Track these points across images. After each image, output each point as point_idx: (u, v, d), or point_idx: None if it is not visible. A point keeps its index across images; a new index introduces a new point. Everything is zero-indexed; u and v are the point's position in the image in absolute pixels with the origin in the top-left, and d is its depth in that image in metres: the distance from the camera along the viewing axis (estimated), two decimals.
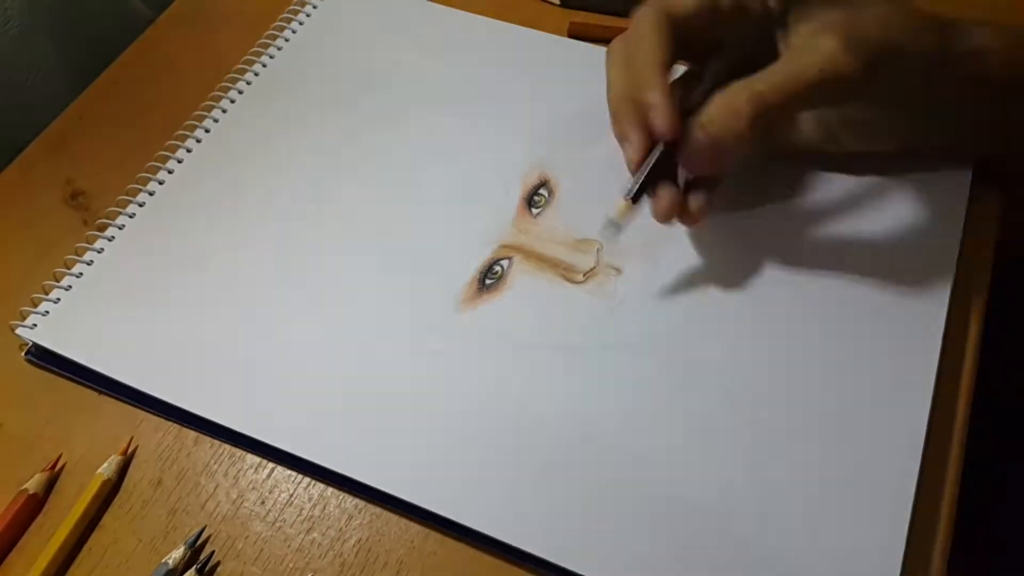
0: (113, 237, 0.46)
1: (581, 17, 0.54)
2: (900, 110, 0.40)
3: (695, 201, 0.40)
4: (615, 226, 0.39)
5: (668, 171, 0.40)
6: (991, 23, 0.39)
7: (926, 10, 0.38)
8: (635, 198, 0.39)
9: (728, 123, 0.36)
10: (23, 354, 0.43)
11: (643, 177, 0.39)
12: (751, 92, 0.36)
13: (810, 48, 0.36)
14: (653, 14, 0.39)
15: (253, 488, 0.39)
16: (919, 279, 0.41)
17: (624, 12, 0.54)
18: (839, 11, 0.37)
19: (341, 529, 0.38)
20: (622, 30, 0.41)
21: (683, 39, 0.39)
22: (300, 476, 0.39)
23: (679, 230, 0.43)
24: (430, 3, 0.55)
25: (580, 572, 0.35)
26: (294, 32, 0.55)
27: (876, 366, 0.39)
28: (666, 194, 0.39)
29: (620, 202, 0.39)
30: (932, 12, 0.38)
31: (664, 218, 0.40)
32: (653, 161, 0.39)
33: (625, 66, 0.40)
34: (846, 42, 0.35)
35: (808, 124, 0.43)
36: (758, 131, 0.36)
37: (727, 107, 0.36)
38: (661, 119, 0.38)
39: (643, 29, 0.39)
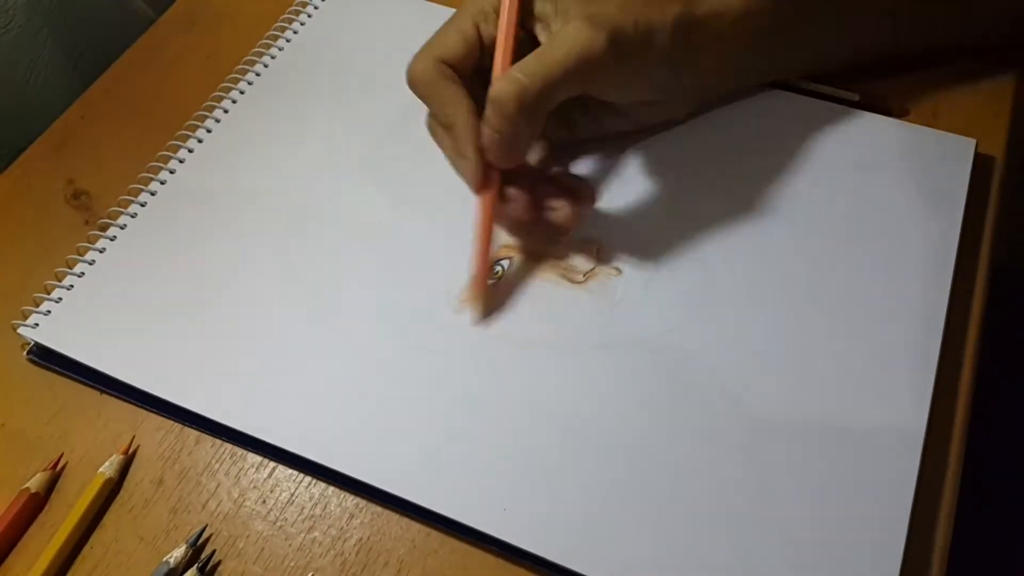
0: (115, 237, 0.46)
1: None
2: (675, 79, 0.43)
3: (560, 212, 0.42)
4: (478, 312, 0.42)
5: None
6: None
7: None
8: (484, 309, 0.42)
9: (500, 118, 0.38)
10: (25, 353, 0.43)
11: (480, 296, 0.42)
12: (509, 81, 0.38)
13: (559, 35, 0.38)
14: (431, 66, 0.41)
15: (254, 487, 0.39)
16: (918, 278, 0.41)
17: None
18: (588, 3, 0.39)
19: (342, 528, 0.38)
20: None
21: (463, 75, 0.41)
22: (301, 475, 0.39)
23: (680, 230, 0.44)
24: (432, 4, 0.55)
25: (580, 571, 0.35)
26: (296, 32, 0.55)
27: (876, 366, 0.39)
28: (516, 194, 0.41)
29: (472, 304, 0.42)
30: None
31: (515, 224, 0.43)
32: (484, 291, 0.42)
33: (434, 114, 0.42)
34: (589, 21, 0.38)
35: (604, 116, 0.45)
36: (529, 116, 0.38)
37: (495, 103, 0.38)
38: (473, 174, 0.41)
39: (431, 85, 0.41)
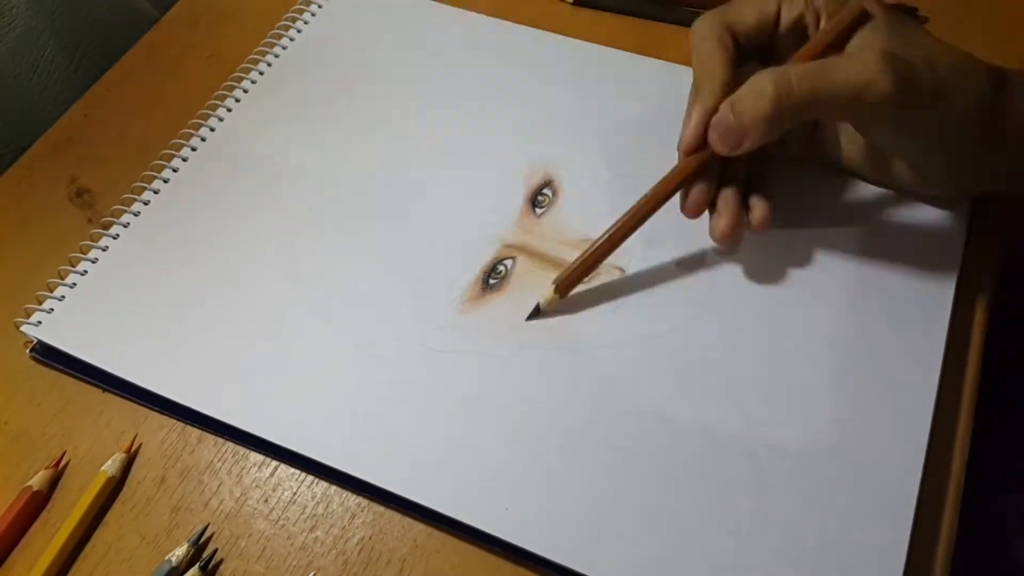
0: (118, 235, 0.46)
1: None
2: (951, 154, 0.39)
3: (758, 208, 0.41)
4: (540, 313, 0.41)
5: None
6: None
7: (979, 59, 0.38)
8: (562, 291, 0.41)
9: (751, 103, 0.37)
10: (27, 351, 0.43)
11: (575, 269, 0.41)
12: (780, 76, 0.36)
13: (850, 57, 0.37)
14: (713, 28, 0.40)
15: (256, 486, 0.39)
16: (923, 278, 0.41)
17: (636, 12, 0.54)
18: (895, 38, 0.37)
19: (344, 527, 0.38)
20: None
21: (745, 49, 0.40)
22: (303, 474, 0.39)
23: (681, 231, 0.44)
24: (435, 3, 0.55)
25: (582, 571, 0.35)
26: (299, 31, 0.55)
27: (879, 366, 0.39)
28: (696, 191, 0.40)
29: (549, 291, 0.41)
30: (989, 63, 0.38)
31: (692, 214, 0.41)
32: (593, 258, 0.41)
33: (694, 69, 0.41)
34: (886, 59, 0.35)
35: (870, 153, 0.42)
36: (779, 119, 0.37)
37: (753, 87, 0.37)
38: (687, 134, 0.40)
39: (703, 45, 0.40)
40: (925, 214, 0.43)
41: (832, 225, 0.43)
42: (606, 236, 0.41)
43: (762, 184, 0.42)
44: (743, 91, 0.38)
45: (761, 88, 0.37)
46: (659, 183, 0.41)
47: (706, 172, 0.41)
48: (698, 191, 0.41)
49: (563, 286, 0.41)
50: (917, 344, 0.39)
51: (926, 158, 0.40)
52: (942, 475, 0.37)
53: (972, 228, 0.43)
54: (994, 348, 0.41)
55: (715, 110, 0.39)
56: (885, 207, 0.44)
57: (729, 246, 0.42)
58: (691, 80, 0.41)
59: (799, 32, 0.40)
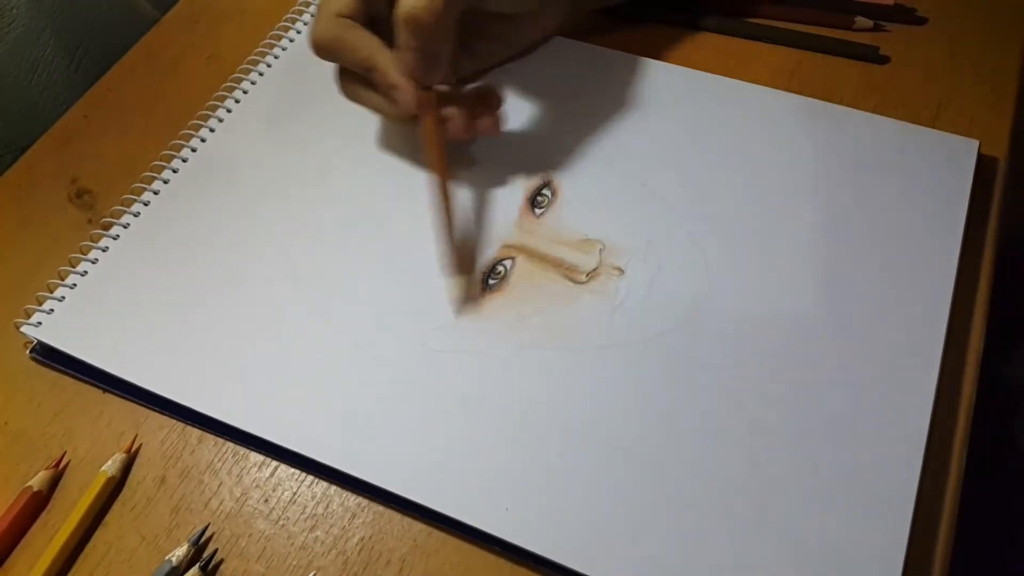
0: (118, 236, 0.46)
1: None
2: None
3: (484, 122, 0.44)
4: (462, 302, 0.42)
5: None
6: None
7: None
8: (464, 268, 0.43)
9: (418, 35, 0.40)
10: (27, 352, 0.43)
11: (451, 249, 0.43)
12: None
13: None
14: (331, 26, 0.42)
15: (256, 486, 0.39)
16: (922, 278, 0.41)
17: (629, 14, 0.54)
18: None
19: (344, 527, 0.38)
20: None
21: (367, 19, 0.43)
22: (303, 474, 0.39)
23: (681, 231, 0.44)
24: None
25: (582, 571, 0.35)
26: (299, 32, 0.55)
27: (878, 367, 0.39)
28: (453, 111, 0.43)
29: (449, 283, 0.43)
30: None
31: (461, 133, 0.44)
32: (451, 233, 0.43)
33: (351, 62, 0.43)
34: None
35: (482, 43, 0.48)
36: (444, 30, 0.40)
37: (410, 21, 0.40)
38: (409, 100, 0.42)
39: (341, 42, 0.42)
40: (924, 210, 0.43)
41: (834, 225, 0.43)
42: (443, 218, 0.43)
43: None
44: (403, 35, 0.40)
45: (414, 11, 0.39)
46: (431, 148, 0.44)
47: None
48: (455, 113, 0.43)
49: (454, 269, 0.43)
50: (916, 342, 0.39)
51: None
52: (941, 475, 0.37)
53: (970, 228, 0.43)
54: (995, 348, 0.41)
55: (402, 66, 0.41)
56: (886, 204, 0.44)
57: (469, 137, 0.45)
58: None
59: None
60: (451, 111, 0.43)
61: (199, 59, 0.55)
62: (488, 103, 0.45)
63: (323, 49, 0.43)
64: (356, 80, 0.44)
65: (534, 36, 0.50)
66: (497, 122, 0.45)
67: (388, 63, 0.41)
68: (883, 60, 0.50)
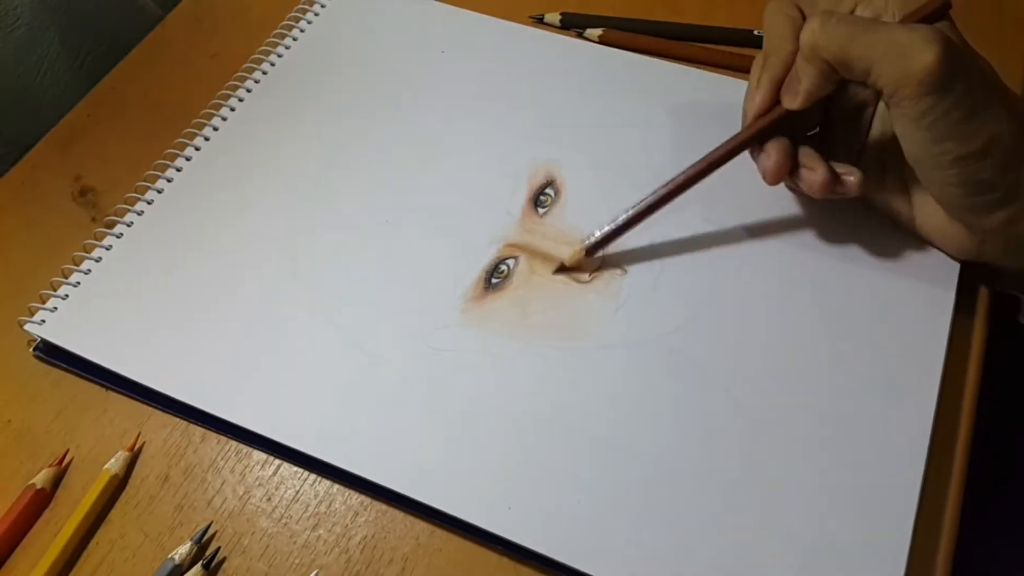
0: (122, 234, 0.46)
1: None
2: (985, 175, 0.36)
3: (813, 175, 0.39)
4: (564, 270, 0.43)
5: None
6: None
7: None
8: (590, 251, 0.42)
9: (803, 39, 0.37)
10: (31, 350, 0.43)
11: (605, 233, 0.42)
12: (824, 15, 0.37)
13: (905, 25, 0.36)
14: (784, 5, 0.40)
15: (259, 484, 0.39)
16: (924, 281, 0.41)
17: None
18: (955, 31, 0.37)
19: (347, 526, 0.38)
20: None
21: None
22: (306, 473, 0.39)
23: (685, 232, 0.44)
24: (437, 3, 0.56)
25: (585, 570, 0.35)
26: (302, 31, 0.55)
27: (881, 366, 0.39)
28: (776, 149, 0.40)
29: (575, 249, 0.42)
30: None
31: (772, 176, 0.40)
32: (622, 221, 0.42)
33: (764, 44, 0.41)
34: (938, 33, 0.34)
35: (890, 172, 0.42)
36: (816, 62, 0.37)
37: (808, 31, 0.37)
38: (758, 97, 0.40)
39: (774, 19, 0.40)
40: None
41: (835, 226, 0.43)
42: (663, 191, 0.42)
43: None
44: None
45: (808, 23, 0.37)
46: (727, 141, 0.41)
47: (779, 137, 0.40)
48: (778, 148, 0.40)
49: (592, 249, 0.43)
50: (919, 343, 0.39)
51: (937, 176, 0.38)
52: (944, 475, 0.37)
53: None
54: (996, 349, 0.41)
55: (783, 78, 0.39)
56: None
57: (820, 197, 0.40)
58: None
59: (870, 11, 0.40)
60: (774, 145, 0.40)
61: (203, 58, 0.55)
62: (842, 183, 0.40)
63: (764, 17, 0.41)
64: (761, 56, 0.41)
65: (931, 237, 0.42)
66: (823, 183, 0.39)
67: (776, 65, 0.39)
68: None
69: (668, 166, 0.46)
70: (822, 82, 0.38)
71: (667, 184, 0.41)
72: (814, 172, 0.39)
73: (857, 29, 0.36)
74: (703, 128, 0.47)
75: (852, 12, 0.40)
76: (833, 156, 0.41)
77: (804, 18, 0.39)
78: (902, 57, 0.35)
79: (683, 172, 0.41)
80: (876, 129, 0.42)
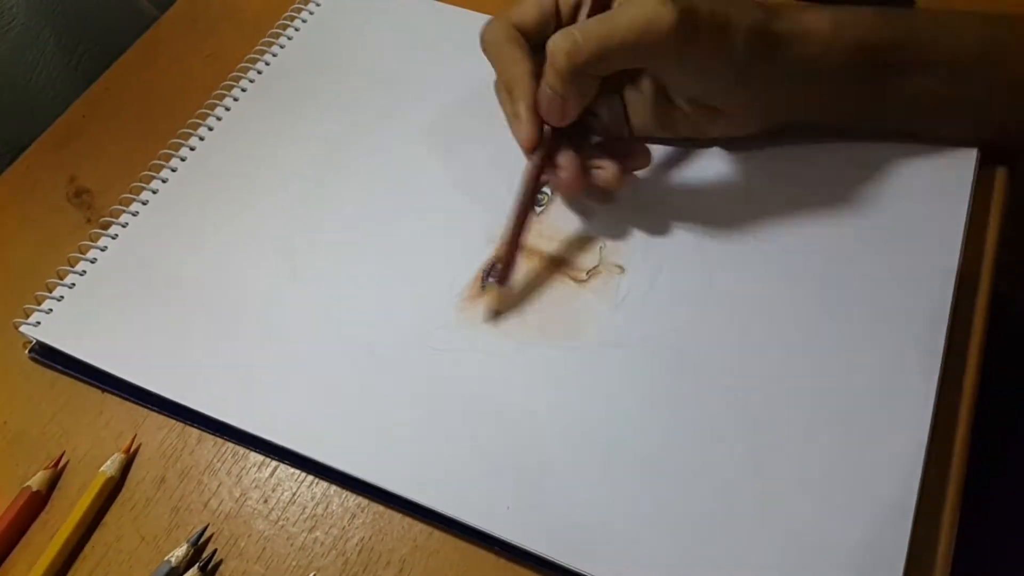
0: (117, 235, 0.46)
1: None
2: (742, 87, 0.41)
3: (606, 172, 0.42)
4: (493, 313, 0.42)
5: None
6: (824, 6, 0.40)
7: None
8: (503, 280, 0.42)
9: (552, 72, 0.39)
10: (26, 352, 0.43)
11: (505, 260, 0.42)
12: (567, 36, 0.38)
13: (631, 3, 0.38)
14: (500, 31, 0.42)
15: (256, 486, 0.39)
16: (923, 279, 0.41)
17: None
18: None
19: (344, 528, 0.38)
20: None
21: (537, 43, 0.42)
22: (303, 474, 0.39)
23: (682, 230, 0.44)
24: (434, 1, 0.55)
25: (583, 571, 0.35)
26: (297, 30, 0.55)
27: (879, 367, 0.39)
28: (565, 161, 0.41)
29: (494, 290, 0.42)
30: None
31: (566, 189, 0.43)
32: (509, 238, 0.41)
33: (499, 76, 0.43)
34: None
35: (665, 110, 0.44)
36: (580, 75, 0.38)
37: (548, 56, 0.39)
38: (524, 131, 0.41)
39: (498, 50, 0.42)
40: (926, 207, 0.43)
41: (835, 226, 0.43)
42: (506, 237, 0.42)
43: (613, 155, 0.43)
44: (545, 65, 0.39)
45: (554, 52, 0.38)
46: (520, 189, 0.42)
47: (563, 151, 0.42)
48: (567, 159, 0.41)
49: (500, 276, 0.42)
50: (917, 342, 0.39)
51: (720, 97, 0.42)
52: (942, 474, 0.37)
53: (971, 230, 0.43)
54: (995, 347, 0.41)
55: (535, 98, 0.40)
56: (884, 206, 0.44)
57: (618, 188, 0.43)
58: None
59: (581, 13, 0.42)
60: (565, 159, 0.41)
61: (198, 58, 0.55)
62: (630, 155, 0.43)
63: (484, 48, 0.43)
64: (503, 88, 0.43)
65: (728, 131, 0.45)
66: (617, 176, 0.42)
67: (524, 92, 0.41)
68: None
69: (665, 165, 0.46)
70: (587, 91, 0.40)
71: (523, 190, 0.42)
72: (605, 170, 0.42)
73: (602, 29, 0.38)
74: None
75: (555, 3, 0.42)
76: (603, 135, 0.44)
77: (524, 34, 0.41)
78: (648, 31, 0.37)
79: (511, 221, 0.42)
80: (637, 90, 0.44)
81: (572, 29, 0.38)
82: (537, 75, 0.40)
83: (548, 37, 0.41)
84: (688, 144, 0.46)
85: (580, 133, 0.43)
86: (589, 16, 0.40)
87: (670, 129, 0.45)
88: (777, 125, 0.44)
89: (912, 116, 0.43)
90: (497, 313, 0.42)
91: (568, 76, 0.38)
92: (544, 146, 0.42)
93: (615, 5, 0.40)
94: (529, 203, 0.42)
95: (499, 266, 0.42)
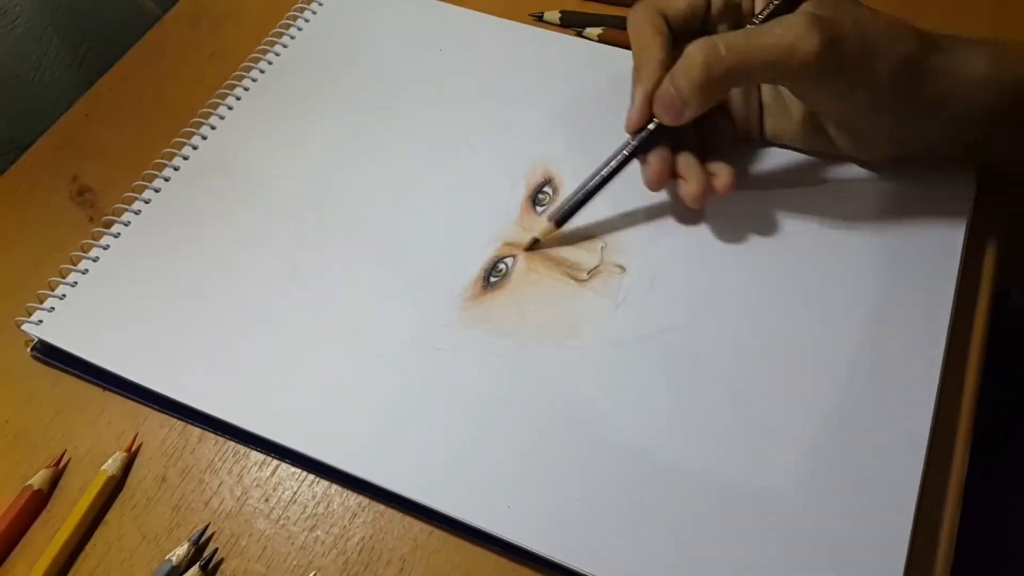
0: (119, 234, 0.46)
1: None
2: (883, 117, 0.40)
3: (689, 188, 0.42)
4: (536, 243, 0.43)
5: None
6: (979, 41, 0.39)
7: (909, 23, 0.38)
8: (559, 222, 0.43)
9: (685, 72, 0.38)
10: (28, 350, 0.43)
11: (571, 203, 0.43)
12: (709, 44, 0.38)
13: (779, 23, 0.37)
14: (646, 14, 0.42)
15: (257, 485, 0.39)
16: (923, 277, 0.41)
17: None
18: (824, 5, 0.38)
19: (344, 527, 0.38)
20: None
21: (680, 34, 0.42)
22: (304, 474, 0.39)
23: (683, 229, 0.43)
24: (436, 1, 0.55)
25: (584, 570, 0.35)
26: (300, 30, 0.55)
27: (880, 368, 0.39)
28: (655, 159, 0.42)
29: (545, 223, 0.43)
30: (915, 26, 0.38)
31: (653, 186, 0.43)
32: (584, 190, 0.43)
33: (633, 56, 0.43)
34: (811, 21, 0.36)
35: (803, 122, 0.44)
36: (712, 85, 0.38)
37: (686, 57, 0.38)
38: (632, 114, 0.42)
39: (638, 31, 0.42)
40: (926, 209, 0.43)
41: (836, 227, 0.43)
42: (597, 176, 0.43)
43: (717, 157, 0.43)
44: (678, 63, 0.39)
45: (692, 57, 0.38)
46: (615, 152, 0.43)
47: (659, 147, 0.42)
48: (657, 159, 0.42)
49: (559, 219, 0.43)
50: (919, 342, 0.39)
51: (857, 120, 0.41)
52: (943, 475, 0.37)
53: (973, 223, 0.42)
54: (995, 349, 0.41)
55: (655, 88, 0.40)
56: (886, 204, 0.44)
57: (698, 208, 0.43)
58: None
59: (733, 13, 0.42)
60: (655, 159, 0.42)
61: (201, 57, 0.55)
62: (717, 180, 0.42)
63: (628, 27, 0.42)
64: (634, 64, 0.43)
65: (863, 154, 0.44)
66: (697, 195, 0.41)
67: (647, 79, 0.41)
68: None
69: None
70: (712, 102, 0.40)
71: (612, 158, 0.43)
72: (688, 183, 0.42)
73: (745, 45, 0.37)
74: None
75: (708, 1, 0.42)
76: (710, 146, 0.43)
77: (667, 22, 0.41)
78: (791, 55, 0.36)
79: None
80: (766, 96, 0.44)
81: (716, 40, 0.37)
82: (668, 65, 0.40)
83: (692, 30, 0.41)
84: (821, 157, 0.45)
85: (685, 131, 0.43)
86: (758, 17, 0.40)
87: (804, 141, 0.44)
88: (914, 154, 0.43)
89: None
90: (536, 242, 0.43)
91: (699, 84, 0.38)
92: (644, 135, 0.42)
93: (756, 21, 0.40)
94: (615, 169, 0.43)
95: (567, 207, 0.43)
